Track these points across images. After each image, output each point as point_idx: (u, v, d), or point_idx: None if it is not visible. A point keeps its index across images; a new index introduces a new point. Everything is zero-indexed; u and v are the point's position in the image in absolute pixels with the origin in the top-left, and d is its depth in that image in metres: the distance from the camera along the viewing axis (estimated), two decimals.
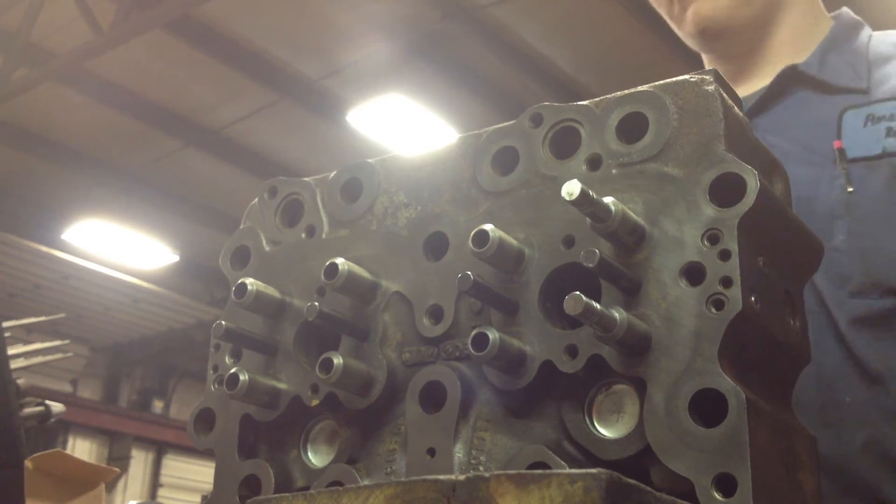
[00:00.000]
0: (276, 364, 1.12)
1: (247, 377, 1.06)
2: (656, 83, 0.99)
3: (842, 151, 1.71)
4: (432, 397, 1.00)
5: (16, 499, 1.14)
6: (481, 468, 0.95)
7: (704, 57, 2.02)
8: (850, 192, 1.67)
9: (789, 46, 1.91)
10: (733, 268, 0.87)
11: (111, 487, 13.01)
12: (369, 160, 1.15)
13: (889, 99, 1.76)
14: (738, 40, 1.91)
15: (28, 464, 1.38)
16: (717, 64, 1.97)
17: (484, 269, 0.98)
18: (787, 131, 1.79)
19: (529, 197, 1.01)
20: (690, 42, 1.95)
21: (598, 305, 0.86)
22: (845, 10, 1.99)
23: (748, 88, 1.90)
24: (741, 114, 0.99)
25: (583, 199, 0.87)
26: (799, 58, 1.86)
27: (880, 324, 1.61)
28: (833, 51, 1.87)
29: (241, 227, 1.21)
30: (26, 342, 2.02)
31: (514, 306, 0.97)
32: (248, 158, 10.41)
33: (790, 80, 1.84)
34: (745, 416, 0.83)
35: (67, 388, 15.19)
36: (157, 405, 16.25)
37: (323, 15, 8.26)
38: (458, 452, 0.97)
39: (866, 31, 1.93)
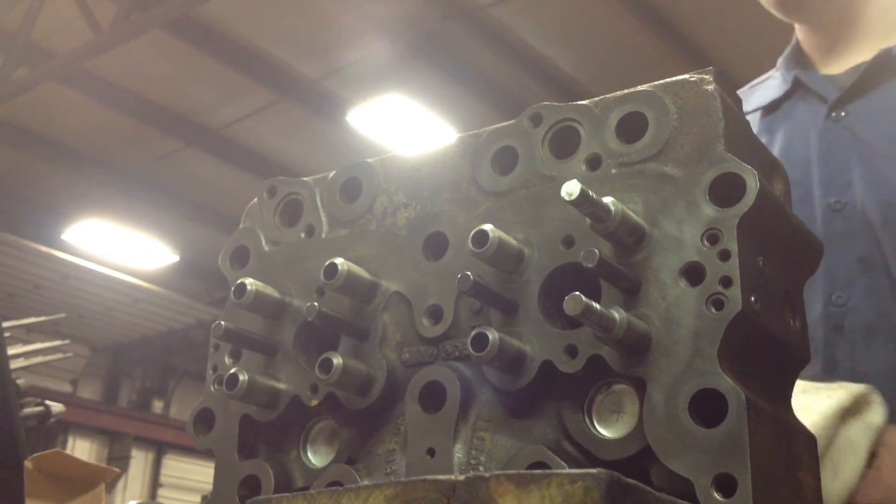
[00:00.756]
0: (275, 364, 1.11)
1: (246, 377, 1.06)
2: (656, 83, 0.99)
3: None
4: (432, 397, 1.00)
5: (16, 499, 1.14)
6: (481, 468, 0.95)
7: (796, 27, 1.97)
8: None
9: (883, 21, 1.82)
10: (733, 268, 0.87)
11: (111, 487, 13.01)
12: (368, 160, 1.14)
13: None
14: (821, 11, 1.84)
15: (28, 464, 1.38)
16: (807, 34, 1.91)
17: (483, 269, 0.98)
18: (876, 125, 1.72)
19: (529, 197, 1.01)
20: (775, 13, 1.90)
21: (597, 306, 0.86)
22: None
23: (842, 64, 1.84)
24: (741, 113, 0.99)
25: (582, 199, 0.87)
26: (884, 41, 1.77)
27: None
28: None
29: (241, 227, 1.21)
30: (26, 342, 2.02)
31: (513, 306, 0.97)
32: (248, 158, 10.41)
33: (885, 65, 1.75)
34: (744, 417, 0.83)
35: (67, 388, 15.20)
36: (157, 405, 16.25)
37: (323, 15, 8.27)
38: (458, 452, 0.96)
39: None
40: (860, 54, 1.80)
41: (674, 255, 0.90)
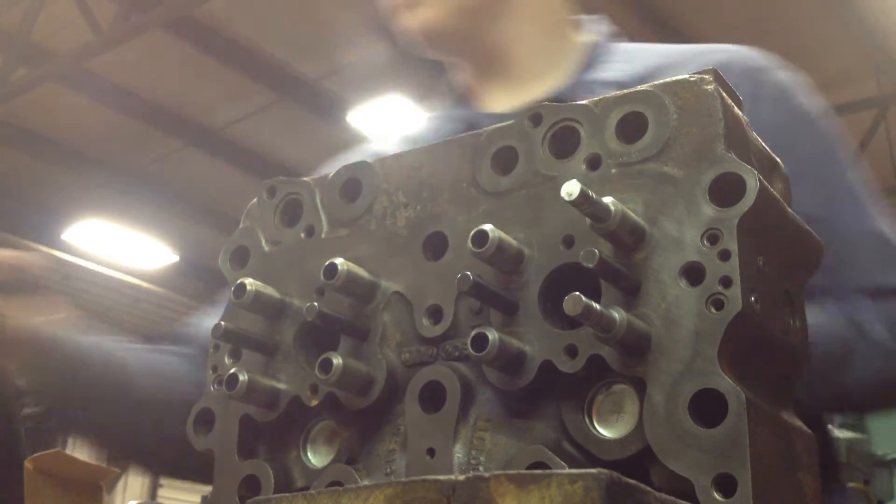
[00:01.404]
0: (275, 364, 1.11)
1: (246, 377, 1.06)
2: (655, 82, 0.99)
3: None
4: (432, 397, 1.00)
5: (16, 499, 1.14)
6: (481, 468, 0.95)
7: (448, 67, 1.85)
8: None
9: (533, 63, 1.70)
10: (733, 268, 0.87)
11: (111, 487, 12.99)
12: (368, 160, 1.14)
13: None
14: (464, 49, 1.72)
15: (28, 464, 1.38)
16: (462, 74, 1.80)
17: (483, 269, 0.98)
18: None
19: (529, 197, 1.01)
20: (414, 51, 1.79)
21: (597, 306, 0.86)
22: (599, 19, 1.77)
23: (508, 102, 1.70)
24: (741, 113, 0.99)
25: (582, 200, 0.87)
26: (547, 80, 1.66)
27: None
28: (584, 73, 1.66)
29: (241, 226, 1.21)
30: None
31: (513, 306, 0.97)
32: (248, 158, 10.42)
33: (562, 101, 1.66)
34: (745, 417, 0.83)
35: None
36: None
37: (323, 15, 8.27)
38: (458, 453, 0.96)
39: (619, 49, 1.70)
40: (526, 92, 1.67)
41: (674, 255, 0.90)
